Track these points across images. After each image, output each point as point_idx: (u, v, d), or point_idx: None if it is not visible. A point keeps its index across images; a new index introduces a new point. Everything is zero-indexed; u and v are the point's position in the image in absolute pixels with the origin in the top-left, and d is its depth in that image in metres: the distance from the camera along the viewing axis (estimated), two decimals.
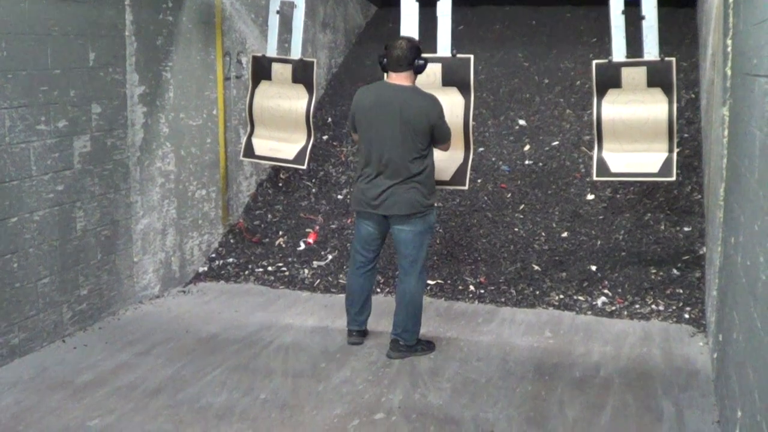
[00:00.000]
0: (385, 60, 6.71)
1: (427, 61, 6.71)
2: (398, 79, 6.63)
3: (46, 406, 5.94)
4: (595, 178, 7.65)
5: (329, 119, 10.86)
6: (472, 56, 7.43)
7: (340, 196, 9.75)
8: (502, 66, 11.41)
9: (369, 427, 5.62)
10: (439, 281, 8.39)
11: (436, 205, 7.13)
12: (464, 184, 7.46)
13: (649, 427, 5.65)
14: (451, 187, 7.77)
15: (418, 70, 6.67)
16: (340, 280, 8.54)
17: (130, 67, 7.74)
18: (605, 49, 8.10)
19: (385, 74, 6.89)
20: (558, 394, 6.14)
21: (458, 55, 7.42)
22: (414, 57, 6.62)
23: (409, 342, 6.79)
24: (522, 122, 10.37)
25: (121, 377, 6.41)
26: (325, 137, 10.57)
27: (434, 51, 7.46)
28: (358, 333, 7.12)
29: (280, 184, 10.07)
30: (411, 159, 6.53)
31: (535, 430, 5.60)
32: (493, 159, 9.80)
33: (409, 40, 6.78)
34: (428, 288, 8.11)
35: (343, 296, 7.82)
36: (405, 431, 5.57)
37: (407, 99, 6.55)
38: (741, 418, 4.44)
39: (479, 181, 9.46)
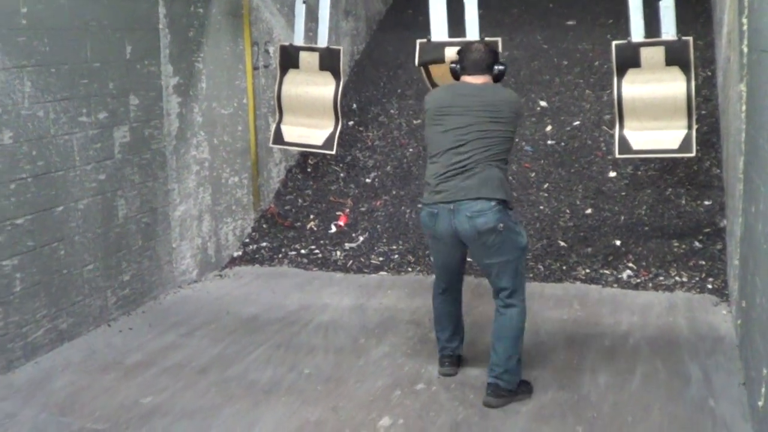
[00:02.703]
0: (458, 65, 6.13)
1: (505, 68, 6.16)
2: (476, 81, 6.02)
3: (99, 386, 6.22)
4: (617, 155, 7.88)
5: (354, 105, 11.10)
6: (500, 39, 7.65)
7: (368, 180, 10.01)
8: (521, 49, 11.64)
9: (411, 397, 5.89)
10: (468, 260, 8.62)
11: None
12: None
13: (678, 390, 5.90)
14: None
15: (498, 77, 6.12)
16: (372, 261, 8.80)
17: (165, 59, 8.00)
18: (622, 30, 8.31)
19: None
20: (589, 362, 6.40)
21: (486, 39, 7.64)
22: (493, 61, 6.08)
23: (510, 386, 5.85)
24: (543, 103, 10.60)
25: (169, 357, 6.69)
26: (351, 123, 10.82)
27: (463, 35, 7.68)
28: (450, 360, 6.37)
29: (309, 170, 10.34)
30: None
31: (569, 395, 5.86)
32: (516, 140, 10.01)
33: (487, 44, 6.35)
34: None
35: (375, 276, 8.10)
36: (445, 399, 5.85)
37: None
38: (767, 376, 4.69)
39: None
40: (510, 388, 5.80)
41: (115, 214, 7.50)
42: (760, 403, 4.87)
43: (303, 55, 8.54)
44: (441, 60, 7.79)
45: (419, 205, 6.83)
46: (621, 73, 7.80)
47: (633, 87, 7.73)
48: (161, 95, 7.99)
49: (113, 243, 7.49)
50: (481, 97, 5.88)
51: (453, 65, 6.19)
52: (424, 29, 7.83)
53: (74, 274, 7.08)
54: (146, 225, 7.89)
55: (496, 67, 6.09)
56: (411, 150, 10.30)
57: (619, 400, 5.77)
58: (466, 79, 6.05)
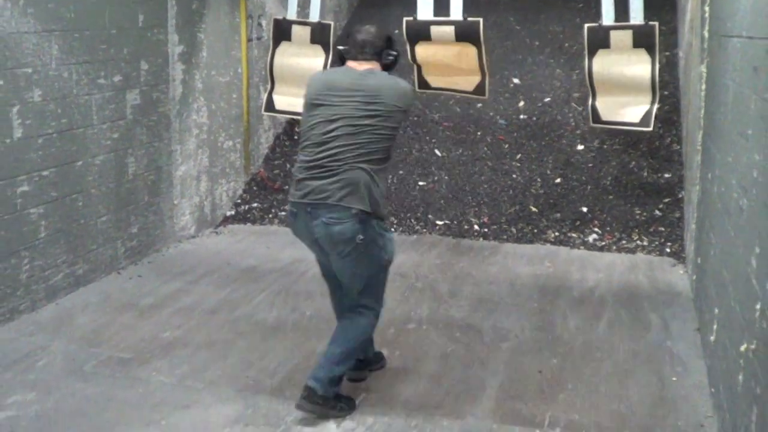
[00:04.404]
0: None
1: (398, 56, 5.51)
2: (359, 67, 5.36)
3: (119, 323, 6.88)
4: (591, 124, 8.56)
5: None
6: (481, 19, 8.28)
7: None
8: (495, 29, 12.31)
9: (404, 334, 6.62)
10: (446, 222, 9.36)
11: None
12: (485, 95, 8.28)
13: (640, 333, 6.66)
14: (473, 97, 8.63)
15: (388, 65, 5.48)
16: None
17: (171, 29, 8.63)
18: (590, 14, 8.92)
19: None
20: (561, 309, 7.15)
21: (469, 18, 8.27)
22: (383, 46, 5.43)
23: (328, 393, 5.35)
24: (516, 80, 11.31)
25: (180, 300, 7.34)
26: None
27: (447, 15, 8.30)
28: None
29: (296, 137, 10.98)
30: None
31: (544, 335, 6.61)
32: (491, 114, 10.75)
33: (380, 28, 5.57)
34: (437, 227, 9.17)
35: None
36: (435, 336, 6.57)
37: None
38: (717, 314, 5.42)
39: (479, 133, 10.41)
40: (327, 395, 5.27)
41: (126, 171, 8.13)
42: (712, 338, 5.61)
43: (295, 29, 9.09)
44: (428, 38, 8.39)
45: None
46: (592, 53, 8.44)
47: (603, 65, 8.37)
48: (168, 62, 8.62)
49: (123, 197, 8.13)
50: (360, 86, 5.18)
51: (339, 47, 5.60)
52: (404, 6, 8.43)
53: (90, 224, 7.71)
54: (152, 182, 8.53)
55: (386, 53, 5.40)
56: None
57: (588, 340, 6.51)
58: (350, 64, 5.36)
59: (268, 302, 7.28)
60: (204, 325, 6.80)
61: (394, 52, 5.42)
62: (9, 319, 6.86)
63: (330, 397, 5.27)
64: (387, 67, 5.41)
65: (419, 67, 8.29)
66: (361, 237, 5.12)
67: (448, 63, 8.18)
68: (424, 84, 8.38)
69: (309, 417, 5.27)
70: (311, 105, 5.26)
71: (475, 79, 8.26)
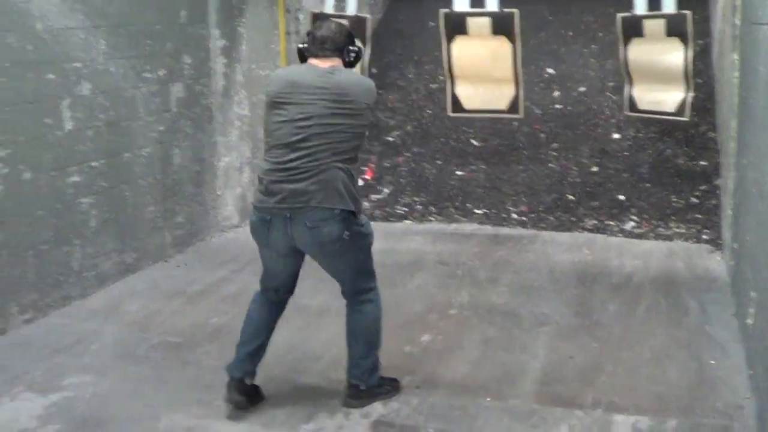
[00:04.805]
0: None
1: (360, 53, 5.32)
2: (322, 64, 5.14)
3: (168, 309, 7.08)
4: (626, 113, 8.69)
5: (374, 70, 11.88)
6: (516, 10, 8.43)
7: (390, 138, 10.84)
8: (529, 20, 12.35)
9: (446, 320, 6.78)
10: (485, 210, 9.51)
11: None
12: (519, 113, 8.42)
13: (678, 318, 6.77)
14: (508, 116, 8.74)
15: (351, 62, 5.27)
16: (397, 211, 9.67)
17: (213, 24, 8.81)
18: (623, 3, 9.02)
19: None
20: (599, 295, 7.27)
21: (504, 10, 8.41)
22: (345, 42, 5.20)
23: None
24: (550, 71, 11.42)
25: (225, 288, 7.53)
26: None
27: (483, 6, 8.45)
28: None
29: None
30: None
31: (583, 320, 6.74)
32: (527, 103, 10.83)
33: (340, 24, 5.34)
34: (475, 216, 9.37)
35: (400, 224, 8.99)
36: (476, 321, 6.72)
37: None
38: (754, 298, 5.54)
39: (515, 123, 10.52)
40: (369, 386, 5.37)
41: (171, 162, 8.33)
42: (749, 321, 5.72)
43: None
44: (464, 31, 8.53)
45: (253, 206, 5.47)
46: (626, 42, 8.58)
47: (637, 55, 8.50)
48: (209, 56, 8.81)
49: (169, 188, 8.32)
50: (329, 83, 4.99)
51: (300, 45, 5.32)
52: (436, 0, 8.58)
53: (138, 214, 7.91)
54: (196, 173, 8.72)
55: (348, 50, 5.19)
56: (429, 111, 11.11)
57: (627, 325, 6.64)
58: (312, 61, 5.14)
59: (311, 289, 7.37)
60: None
61: (356, 48, 5.23)
62: (61, 305, 7.09)
63: (373, 386, 5.37)
64: (349, 64, 5.21)
65: (453, 82, 8.40)
66: (348, 233, 5.03)
67: (483, 68, 8.29)
68: (458, 106, 8.51)
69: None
70: (274, 103, 5.06)
71: (509, 93, 8.39)
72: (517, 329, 6.57)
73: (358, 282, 5.35)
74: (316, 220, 4.95)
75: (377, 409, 5.32)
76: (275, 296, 5.50)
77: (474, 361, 6.01)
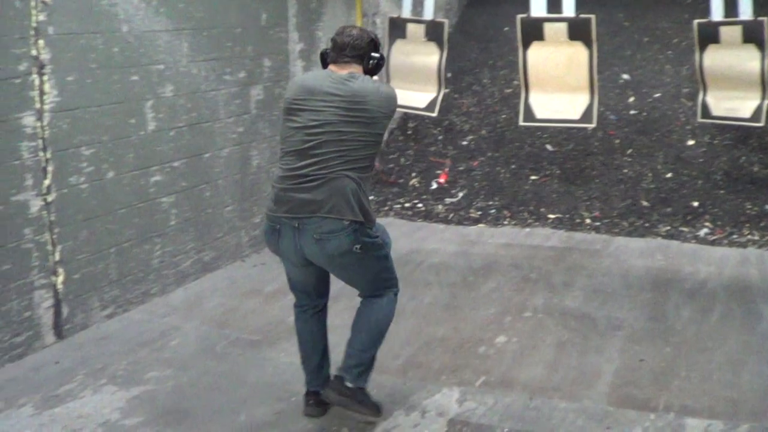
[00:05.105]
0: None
1: (383, 61, 5.11)
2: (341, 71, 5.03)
3: (246, 307, 7.23)
4: (699, 120, 8.67)
5: (449, 74, 11.98)
6: (593, 16, 8.44)
7: (464, 142, 10.93)
8: (604, 26, 12.38)
9: (521, 322, 6.84)
10: (558, 215, 9.55)
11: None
12: (592, 122, 8.43)
13: (751, 325, 6.78)
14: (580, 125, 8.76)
15: (372, 69, 5.09)
16: (471, 215, 9.75)
17: (292, 27, 8.94)
18: (699, 10, 8.99)
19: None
20: (673, 301, 7.29)
21: (581, 15, 8.43)
22: (367, 49, 5.06)
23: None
24: (625, 76, 11.43)
25: None
26: (446, 90, 11.71)
27: (560, 12, 8.47)
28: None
29: (409, 132, 11.28)
30: None
31: (657, 325, 6.77)
32: (602, 109, 10.86)
33: (364, 30, 5.20)
34: (549, 221, 9.38)
35: (474, 228, 9.05)
36: (551, 324, 6.78)
37: None
38: None
39: (590, 129, 10.53)
40: (356, 386, 5.17)
41: (250, 163, 8.47)
42: None
43: (410, 27, 9.34)
44: (541, 37, 8.55)
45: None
46: (702, 48, 8.56)
47: (713, 61, 8.48)
48: (288, 59, 8.94)
49: (247, 188, 8.46)
50: (342, 91, 4.86)
51: (323, 50, 5.23)
52: (512, 4, 8.61)
53: (216, 214, 8.07)
54: (273, 174, 8.82)
55: (369, 57, 5.03)
56: (504, 116, 11.17)
57: (700, 331, 6.66)
58: (332, 67, 5.04)
59: None
60: (328, 311, 7.06)
61: (377, 56, 5.03)
62: (141, 302, 7.27)
63: (357, 389, 5.16)
64: (370, 71, 5.03)
65: (527, 91, 8.42)
66: (359, 246, 4.85)
67: (558, 76, 8.31)
68: (530, 115, 8.53)
69: (431, 395, 5.57)
70: (288, 110, 4.97)
71: (583, 102, 8.38)
72: (592, 332, 6.62)
73: (376, 289, 5.19)
74: (323, 232, 4.80)
75: (453, 407, 5.40)
76: (309, 304, 5.39)
77: (548, 363, 6.08)
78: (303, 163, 4.83)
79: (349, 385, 5.12)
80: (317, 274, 5.18)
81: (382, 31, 9.96)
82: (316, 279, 5.22)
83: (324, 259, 4.91)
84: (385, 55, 8.73)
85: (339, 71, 4.95)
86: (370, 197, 9.75)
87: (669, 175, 9.90)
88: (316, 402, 5.34)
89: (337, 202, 4.77)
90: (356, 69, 4.97)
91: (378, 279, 5.14)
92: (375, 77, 5.08)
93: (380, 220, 9.43)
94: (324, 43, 9.42)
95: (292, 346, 6.30)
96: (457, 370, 5.95)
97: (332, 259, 4.90)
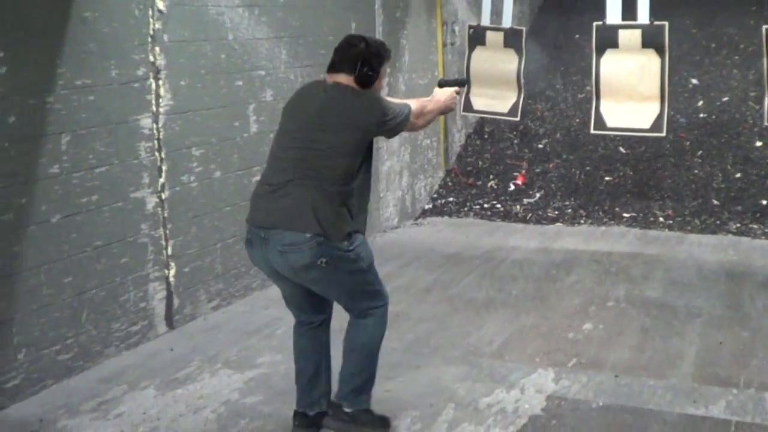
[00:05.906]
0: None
1: (376, 72, 4.92)
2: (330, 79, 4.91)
3: None
4: (766, 123, 8.98)
5: (523, 80, 12.39)
6: (666, 23, 8.75)
7: (540, 146, 11.39)
8: (672, 32, 12.62)
9: (605, 311, 7.27)
10: (633, 214, 9.97)
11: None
12: (662, 132, 8.74)
13: None
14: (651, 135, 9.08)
15: (363, 81, 4.85)
16: (548, 214, 10.20)
17: (379, 35, 9.38)
18: (764, 16, 9.28)
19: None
20: (747, 291, 7.68)
21: (655, 23, 8.75)
22: (360, 59, 4.82)
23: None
24: (694, 81, 11.81)
25: (395, 281, 8.06)
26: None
27: (634, 19, 8.79)
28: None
29: (486, 136, 11.74)
30: None
31: (734, 312, 7.18)
32: (672, 113, 11.23)
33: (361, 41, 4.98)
34: (624, 219, 9.84)
35: (552, 227, 9.50)
36: (633, 313, 7.20)
37: None
38: None
39: None
40: (355, 410, 5.06)
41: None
42: None
43: (489, 34, 9.67)
44: (615, 44, 8.82)
45: None
46: None
47: None
48: None
49: None
50: (323, 99, 4.77)
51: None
52: (583, 12, 8.94)
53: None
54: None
55: (359, 68, 4.77)
56: (577, 120, 11.60)
57: None
58: (326, 76, 4.93)
59: (475, 283, 7.98)
60: (421, 302, 7.54)
61: (365, 69, 4.78)
62: (243, 295, 7.75)
63: (359, 411, 5.05)
64: (360, 83, 4.80)
65: (598, 99, 8.68)
66: (324, 260, 4.58)
67: (630, 84, 8.57)
68: (600, 124, 8.80)
69: (528, 375, 5.99)
70: (282, 117, 4.99)
71: (654, 111, 8.64)
72: (673, 319, 7.00)
73: (359, 304, 4.95)
74: (285, 244, 4.58)
75: (549, 385, 5.82)
76: (306, 319, 5.13)
77: (634, 347, 6.49)
78: (272, 170, 4.78)
79: (348, 410, 5.03)
80: (301, 288, 4.89)
81: (460, 39, 10.40)
82: (301, 293, 4.95)
83: (289, 272, 4.70)
84: (465, 63, 9.20)
85: (327, 80, 4.87)
86: (449, 199, 10.25)
87: (738, 175, 10.28)
88: (304, 423, 5.15)
89: (297, 213, 4.57)
90: (345, 79, 4.79)
91: (357, 293, 4.90)
92: (374, 89, 4.97)
93: (459, 220, 9.95)
94: (407, 51, 9.89)
95: (392, 333, 6.35)
96: (549, 353, 6.35)
97: (297, 273, 4.68)
